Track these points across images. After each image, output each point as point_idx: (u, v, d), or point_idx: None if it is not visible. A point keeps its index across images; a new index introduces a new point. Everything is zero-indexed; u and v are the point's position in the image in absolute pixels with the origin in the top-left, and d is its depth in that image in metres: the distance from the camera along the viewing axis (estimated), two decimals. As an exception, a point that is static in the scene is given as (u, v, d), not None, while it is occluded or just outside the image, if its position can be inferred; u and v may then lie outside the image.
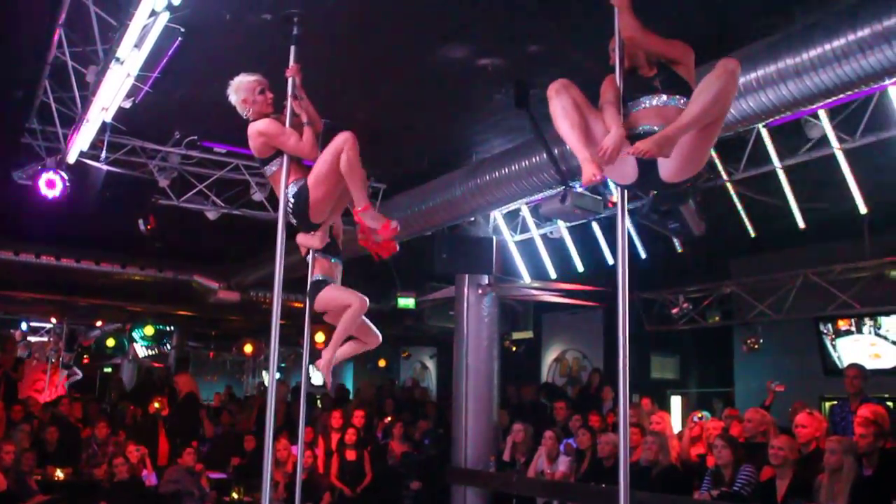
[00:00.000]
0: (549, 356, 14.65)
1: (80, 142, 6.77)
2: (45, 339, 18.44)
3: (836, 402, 8.04)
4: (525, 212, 8.95)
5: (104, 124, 6.50)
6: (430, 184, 8.58)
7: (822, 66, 4.96)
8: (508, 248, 9.41)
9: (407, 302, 12.04)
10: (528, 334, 14.57)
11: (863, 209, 6.53)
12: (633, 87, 3.44)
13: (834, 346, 10.90)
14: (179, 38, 5.46)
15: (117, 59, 5.16)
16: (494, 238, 9.21)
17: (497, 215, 9.18)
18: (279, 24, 5.29)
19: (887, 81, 5.14)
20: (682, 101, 3.34)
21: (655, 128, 3.29)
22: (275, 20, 5.38)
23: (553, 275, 9.46)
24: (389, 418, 11.52)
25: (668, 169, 3.29)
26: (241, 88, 4.30)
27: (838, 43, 4.86)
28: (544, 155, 6.93)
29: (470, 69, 6.49)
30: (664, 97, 3.35)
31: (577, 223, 8.51)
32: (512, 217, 9.25)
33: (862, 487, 5.65)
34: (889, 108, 5.79)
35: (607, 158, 3.21)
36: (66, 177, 7.34)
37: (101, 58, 5.54)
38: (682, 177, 3.36)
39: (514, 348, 14.40)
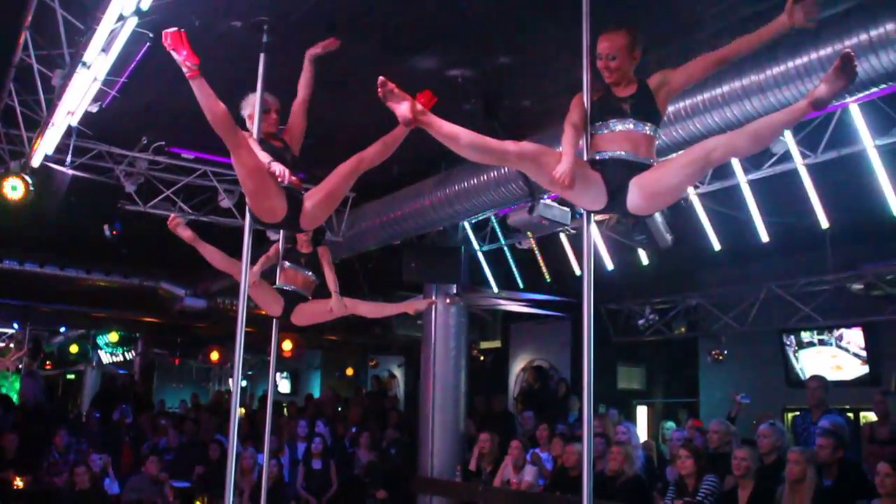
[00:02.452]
0: (517, 366, 14.66)
1: (45, 146, 6.69)
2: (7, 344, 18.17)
3: (798, 413, 8.15)
4: (494, 222, 8.99)
5: (70, 128, 6.44)
6: (399, 193, 8.58)
7: (786, 83, 5.06)
8: (477, 258, 9.44)
9: (375, 311, 11.98)
10: (496, 344, 14.61)
11: (824, 223, 6.64)
12: (602, 108, 3.39)
13: (797, 358, 11.04)
14: (148, 44, 5.43)
15: (84, 64, 5.11)
16: (463, 248, 9.24)
17: (466, 225, 9.20)
18: (249, 31, 5.30)
19: (848, 99, 5.25)
20: (648, 128, 3.33)
21: (620, 153, 3.28)
22: (245, 27, 5.38)
23: (521, 285, 9.51)
24: (355, 428, 11.48)
25: (637, 204, 3.27)
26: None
27: (801, 61, 4.96)
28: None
29: (439, 80, 6.52)
30: (631, 123, 3.31)
31: (545, 234, 8.56)
32: (481, 227, 9.28)
33: (822, 498, 5.73)
34: (850, 124, 5.90)
35: (560, 186, 3.16)
36: (30, 181, 7.25)
37: (67, 61, 5.48)
38: (649, 212, 3.39)
39: (481, 357, 14.42)
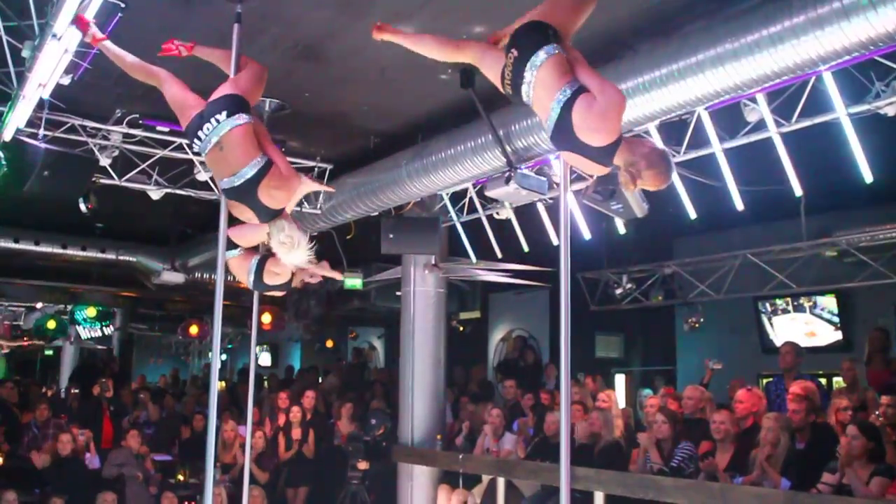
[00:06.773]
0: (496, 336, 14.77)
1: (17, 119, 6.59)
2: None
3: (771, 379, 8.28)
4: (472, 192, 8.99)
5: (42, 101, 6.34)
6: (376, 164, 8.55)
7: (759, 50, 5.09)
8: (455, 229, 9.45)
9: (354, 282, 12.00)
10: (476, 314, 14.69)
11: (798, 192, 6.69)
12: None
13: (771, 325, 11.20)
14: (120, 14, 5.35)
15: (54, 35, 5.03)
16: (441, 218, 9.24)
17: (444, 196, 9.20)
18: (223, 0, 5.24)
19: (822, 67, 5.28)
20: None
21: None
22: (218, -3, 5.31)
23: (499, 255, 9.53)
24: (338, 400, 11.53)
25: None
26: None
27: (774, 29, 4.98)
28: (489, 136, 6.98)
29: (416, 49, 6.47)
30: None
31: (522, 204, 8.57)
32: (458, 198, 9.28)
33: (795, 460, 5.85)
34: (823, 93, 5.94)
35: None
36: (2, 155, 7.16)
37: (36, 33, 5.39)
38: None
39: (461, 328, 14.49)
